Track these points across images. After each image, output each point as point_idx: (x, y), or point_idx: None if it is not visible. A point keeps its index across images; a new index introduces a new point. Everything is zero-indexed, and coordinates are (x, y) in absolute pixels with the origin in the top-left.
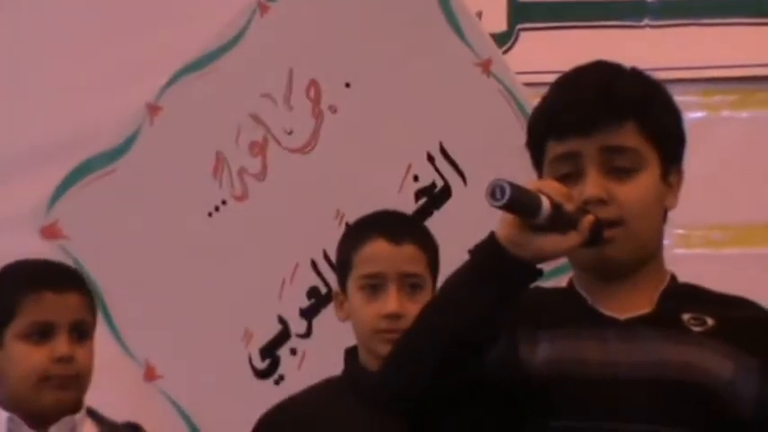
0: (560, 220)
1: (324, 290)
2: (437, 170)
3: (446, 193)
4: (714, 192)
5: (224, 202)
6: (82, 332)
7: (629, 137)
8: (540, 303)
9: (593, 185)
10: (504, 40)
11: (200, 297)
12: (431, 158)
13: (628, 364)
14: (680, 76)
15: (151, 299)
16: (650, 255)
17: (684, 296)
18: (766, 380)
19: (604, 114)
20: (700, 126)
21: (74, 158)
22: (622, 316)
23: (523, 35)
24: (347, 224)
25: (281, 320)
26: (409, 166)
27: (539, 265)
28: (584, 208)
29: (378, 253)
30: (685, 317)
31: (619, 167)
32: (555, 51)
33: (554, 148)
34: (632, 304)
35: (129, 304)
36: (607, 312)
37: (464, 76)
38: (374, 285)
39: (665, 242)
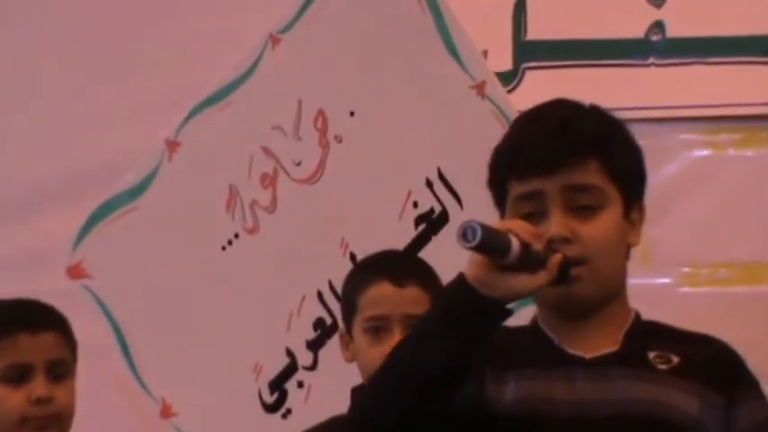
0: (529, 260)
1: (329, 320)
2: (435, 196)
3: (444, 218)
4: (719, 230)
5: (236, 236)
6: (60, 372)
7: (591, 175)
8: (507, 343)
9: (557, 224)
10: (509, 78)
11: (214, 332)
12: (429, 184)
13: (596, 402)
14: (685, 114)
15: (169, 336)
16: (615, 292)
17: (649, 334)
18: (731, 417)
19: (567, 153)
20: (705, 164)
21: (96, 195)
22: (588, 354)
23: (529, 74)
24: (351, 254)
25: (289, 353)
26: (409, 193)
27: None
28: (551, 247)
29: (382, 296)
30: (651, 355)
31: (582, 206)
32: (560, 90)
33: (517, 188)
34: (598, 343)
35: (148, 342)
36: (573, 351)
37: (460, 99)
38: (379, 327)
39: (669, 280)
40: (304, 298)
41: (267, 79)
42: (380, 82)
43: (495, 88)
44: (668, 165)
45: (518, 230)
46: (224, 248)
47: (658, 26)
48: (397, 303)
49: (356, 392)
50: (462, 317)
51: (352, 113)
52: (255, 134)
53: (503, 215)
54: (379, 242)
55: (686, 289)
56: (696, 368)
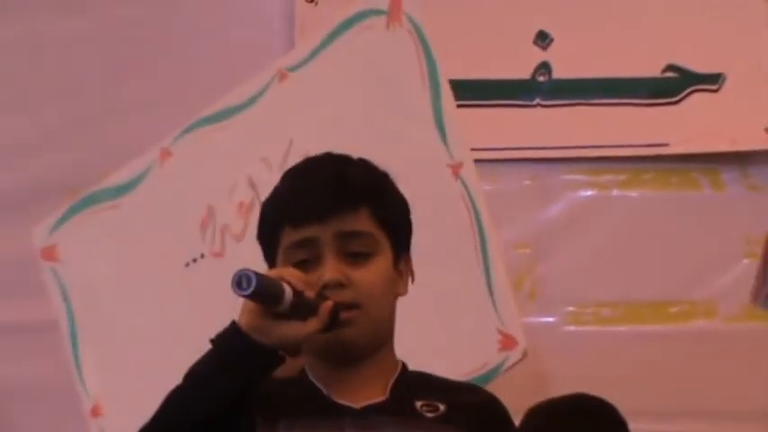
0: (301, 307)
1: None
2: None
3: None
4: (604, 269)
5: (202, 256)
6: None
7: (363, 222)
8: (277, 393)
9: (331, 270)
10: None
11: (160, 344)
12: None
13: None
14: (570, 154)
15: (117, 337)
16: (384, 340)
17: (416, 383)
18: None
19: (339, 201)
20: (589, 204)
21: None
22: (358, 404)
23: None
24: None
25: None
26: None
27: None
28: (322, 294)
29: None
30: (418, 404)
31: (355, 252)
32: None
33: (290, 236)
34: (366, 393)
35: (97, 337)
36: (342, 401)
37: (436, 175)
38: None
39: (554, 319)
40: None
41: (267, 112)
42: (366, 140)
43: (470, 172)
44: (553, 204)
45: (290, 278)
46: (187, 265)
47: (545, 67)
48: None
49: None
50: (234, 363)
51: None
52: (243, 162)
53: (272, 264)
54: None
55: (571, 327)
56: (462, 415)
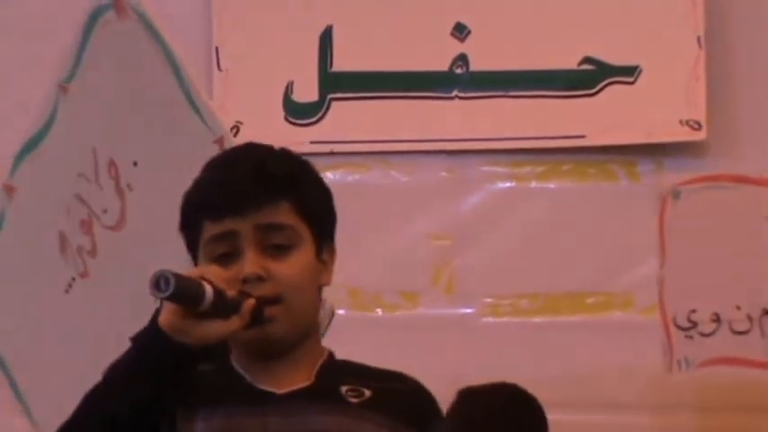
0: (223, 306)
1: None
2: None
3: None
4: (522, 261)
5: (73, 279)
6: None
7: (283, 215)
8: (198, 383)
9: (251, 264)
10: (315, 109)
11: (64, 374)
12: None
13: None
14: (489, 146)
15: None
16: (308, 331)
17: (342, 370)
18: None
19: (259, 193)
20: (508, 196)
21: None
22: (280, 390)
23: (335, 105)
24: None
25: None
26: None
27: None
28: (245, 291)
29: None
30: (343, 389)
31: (275, 245)
32: (366, 121)
33: (210, 229)
34: (291, 379)
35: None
36: (265, 387)
37: (208, 153)
38: None
39: (472, 310)
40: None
41: (65, 129)
42: (143, 133)
43: (231, 142)
44: (472, 196)
45: (212, 277)
46: (66, 291)
47: (462, 59)
48: None
49: None
50: (152, 364)
51: (135, 163)
52: (66, 182)
53: (195, 258)
54: None
55: (489, 319)
56: (388, 401)
